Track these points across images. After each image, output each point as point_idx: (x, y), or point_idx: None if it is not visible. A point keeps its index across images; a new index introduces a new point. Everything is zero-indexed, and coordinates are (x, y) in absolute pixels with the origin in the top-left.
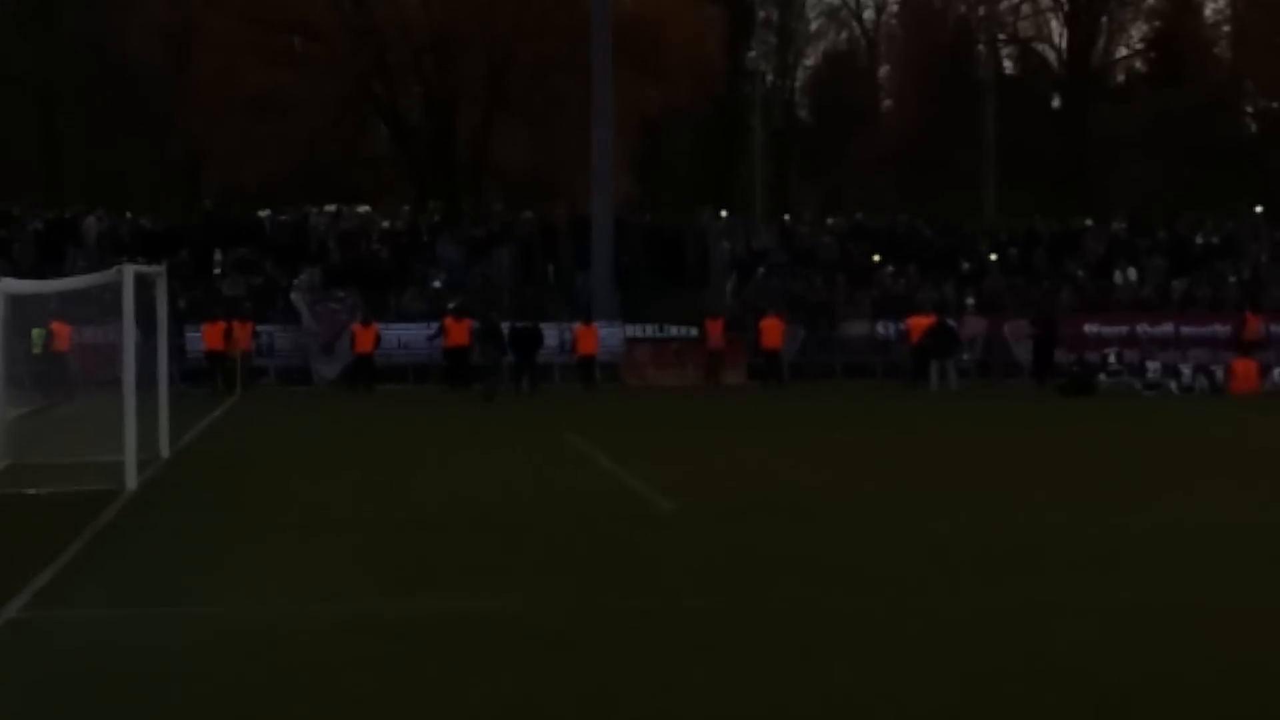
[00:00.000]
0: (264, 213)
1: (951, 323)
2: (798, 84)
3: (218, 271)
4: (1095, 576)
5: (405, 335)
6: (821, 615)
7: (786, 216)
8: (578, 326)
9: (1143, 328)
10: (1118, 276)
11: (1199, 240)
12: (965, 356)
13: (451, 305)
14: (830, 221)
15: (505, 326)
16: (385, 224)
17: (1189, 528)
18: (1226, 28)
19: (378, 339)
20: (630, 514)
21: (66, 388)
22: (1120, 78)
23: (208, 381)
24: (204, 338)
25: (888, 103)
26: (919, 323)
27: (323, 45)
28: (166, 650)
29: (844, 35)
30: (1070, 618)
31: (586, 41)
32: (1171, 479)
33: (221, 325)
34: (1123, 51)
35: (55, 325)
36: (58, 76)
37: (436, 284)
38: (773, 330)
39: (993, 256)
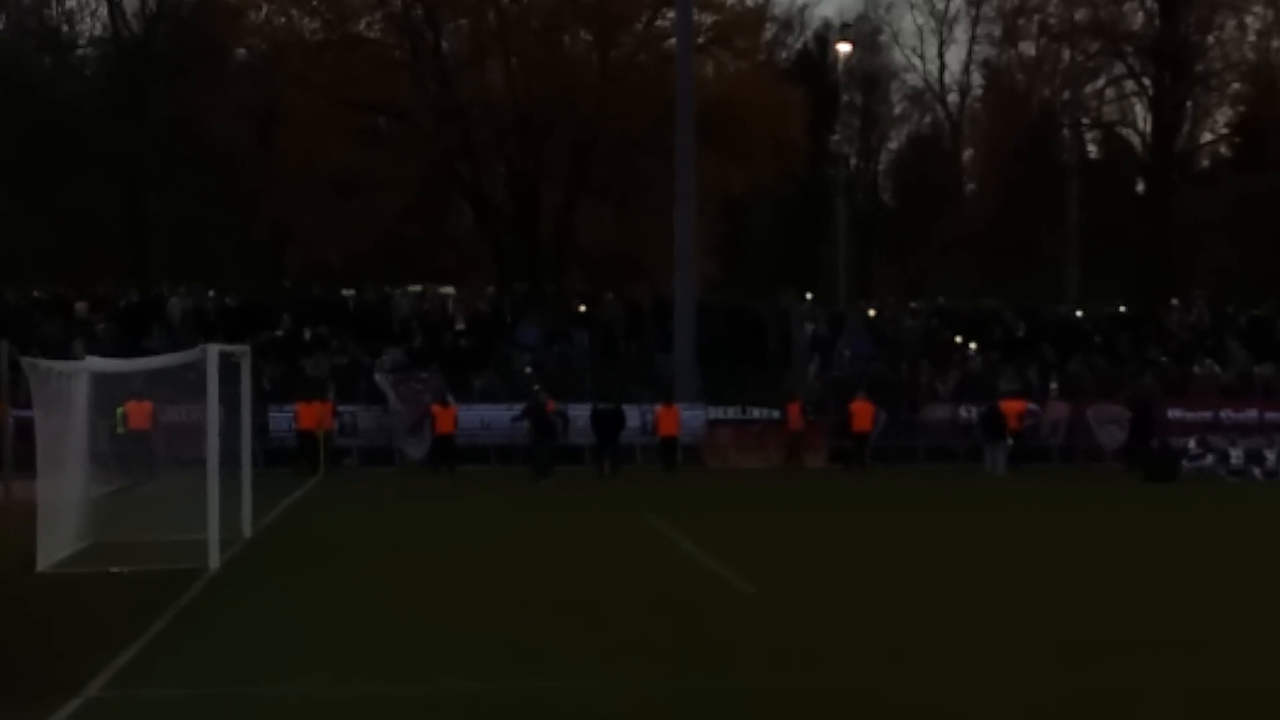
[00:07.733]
0: (348, 292)
1: (998, 407)
2: (881, 167)
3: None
4: (1179, 661)
5: (488, 416)
6: (901, 703)
7: (870, 300)
8: (659, 407)
9: (1226, 413)
10: (1200, 363)
11: None
12: (1010, 441)
13: (536, 388)
14: (914, 305)
15: (587, 408)
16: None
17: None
18: None
19: (457, 419)
20: (710, 596)
21: (150, 467)
22: (1205, 162)
23: (296, 461)
24: (298, 417)
25: (971, 186)
26: (1010, 407)
27: (407, 125)
28: None
29: (928, 119)
30: (1152, 703)
31: (670, 122)
32: (1260, 565)
33: (315, 405)
34: (1207, 136)
35: (131, 405)
36: (144, 156)
37: (528, 369)
38: (863, 413)
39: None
